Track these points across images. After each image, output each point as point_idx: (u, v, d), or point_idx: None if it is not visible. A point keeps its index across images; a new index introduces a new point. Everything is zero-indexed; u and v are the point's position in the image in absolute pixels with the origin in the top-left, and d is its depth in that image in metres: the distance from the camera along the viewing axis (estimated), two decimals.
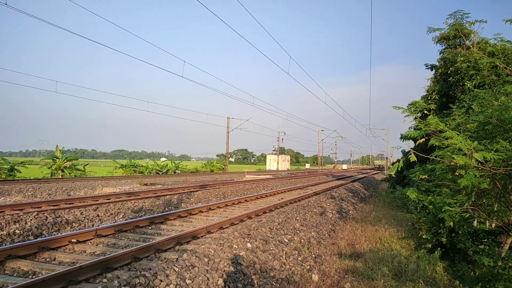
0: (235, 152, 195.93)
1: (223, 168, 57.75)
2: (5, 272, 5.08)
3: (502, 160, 5.20)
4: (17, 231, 7.48)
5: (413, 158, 5.46)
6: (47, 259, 5.68)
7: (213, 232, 7.88)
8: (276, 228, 8.58)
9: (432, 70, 17.46)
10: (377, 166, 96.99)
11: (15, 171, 28.51)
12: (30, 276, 4.93)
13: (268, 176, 34.22)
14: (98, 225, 8.90)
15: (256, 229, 7.92)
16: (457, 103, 10.93)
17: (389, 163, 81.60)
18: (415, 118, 6.90)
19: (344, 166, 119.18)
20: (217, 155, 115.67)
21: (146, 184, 21.25)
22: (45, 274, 4.66)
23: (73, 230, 8.38)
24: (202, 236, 7.46)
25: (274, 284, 5.90)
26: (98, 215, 9.67)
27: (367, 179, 36.56)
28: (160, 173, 43.15)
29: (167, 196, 14.08)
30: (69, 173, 31.22)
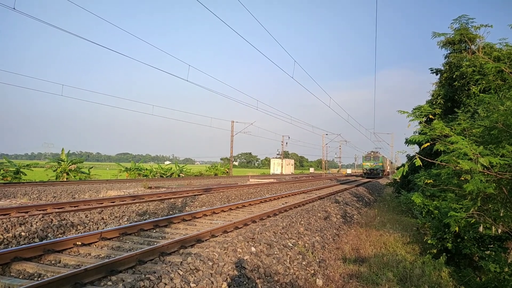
0: (239, 155, 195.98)
1: (227, 172, 57.77)
2: (11, 274, 5.11)
3: (508, 165, 5.18)
4: (22, 234, 7.53)
5: (418, 162, 5.45)
6: (52, 262, 5.71)
7: (217, 236, 7.89)
8: (280, 232, 8.57)
9: (437, 74, 17.43)
10: (368, 171, 55.03)
11: (21, 174, 28.68)
12: (35, 278, 4.95)
13: (272, 180, 34.17)
14: (103, 228, 8.93)
15: (260, 233, 7.91)
16: (463, 108, 10.90)
17: (388, 168, 65.29)
18: (420, 122, 6.89)
19: (349, 171, 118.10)
20: (221, 159, 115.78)
21: (150, 187, 21.30)
22: (50, 277, 4.69)
23: (78, 232, 8.42)
24: (206, 240, 7.46)
25: None
26: (102, 218, 9.70)
27: (372, 184, 36.41)
28: (165, 176, 43.25)
29: (171, 200, 14.11)
30: (74, 176, 31.35)
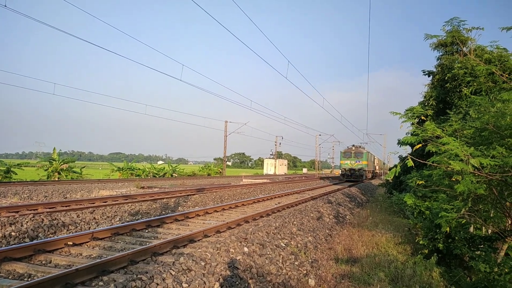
0: (233, 156, 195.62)
1: (221, 172, 57.69)
2: (0, 274, 5.05)
3: (499, 166, 5.24)
4: (13, 233, 7.44)
5: (410, 163, 5.49)
6: (43, 262, 5.65)
7: (210, 236, 7.87)
8: (273, 233, 8.58)
9: (429, 76, 17.59)
10: (348, 172, 41.01)
11: (11, 173, 28.34)
12: (25, 279, 4.90)
13: (265, 180, 34.20)
14: (95, 228, 8.86)
15: (253, 233, 7.91)
16: (454, 109, 11.00)
17: (378, 167, 57.22)
18: (413, 123, 6.95)
19: None
20: (215, 159, 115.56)
21: (143, 187, 21.18)
22: (40, 277, 4.64)
23: (70, 232, 8.34)
24: (199, 240, 7.44)
25: None
26: (94, 218, 9.63)
27: (364, 185, 36.60)
28: (157, 176, 43.05)
29: (164, 200, 14.05)
30: (66, 176, 31.07)
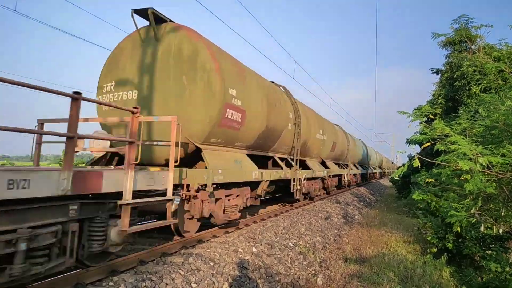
0: None
1: None
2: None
3: (509, 165, 5.18)
4: None
5: (416, 163, 5.46)
6: None
7: (218, 236, 7.89)
8: (281, 233, 8.58)
9: (437, 74, 17.45)
10: None
11: None
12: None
13: None
14: None
15: (261, 234, 7.92)
16: (463, 108, 10.90)
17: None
18: (421, 122, 6.91)
19: None
20: None
21: None
22: (52, 277, 4.69)
23: None
24: (207, 240, 7.47)
25: None
26: None
27: (372, 184, 36.39)
28: None
29: None
30: None
